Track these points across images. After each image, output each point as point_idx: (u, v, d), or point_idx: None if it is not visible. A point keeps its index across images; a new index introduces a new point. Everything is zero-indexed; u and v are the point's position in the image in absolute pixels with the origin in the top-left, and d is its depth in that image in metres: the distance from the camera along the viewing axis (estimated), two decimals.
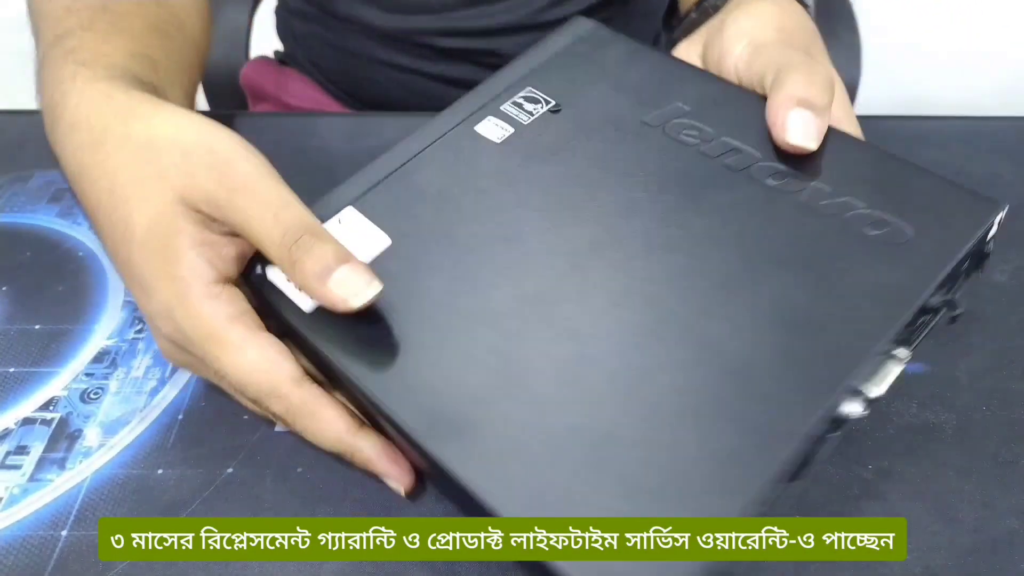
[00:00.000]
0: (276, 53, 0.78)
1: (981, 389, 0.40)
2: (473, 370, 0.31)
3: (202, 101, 0.65)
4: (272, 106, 0.72)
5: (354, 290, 0.31)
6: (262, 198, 0.33)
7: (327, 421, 0.33)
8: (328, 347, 0.33)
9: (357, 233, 0.35)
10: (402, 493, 0.35)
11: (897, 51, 1.16)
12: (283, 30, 0.77)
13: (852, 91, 0.68)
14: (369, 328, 0.33)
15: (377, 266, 0.34)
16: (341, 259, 0.32)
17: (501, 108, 0.40)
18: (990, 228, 0.33)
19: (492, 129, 0.39)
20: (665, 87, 0.40)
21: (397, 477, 0.34)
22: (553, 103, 0.40)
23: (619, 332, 0.32)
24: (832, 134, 0.36)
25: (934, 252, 0.32)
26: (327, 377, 0.35)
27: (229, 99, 0.72)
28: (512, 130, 0.39)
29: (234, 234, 0.34)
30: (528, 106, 0.40)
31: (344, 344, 0.33)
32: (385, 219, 0.36)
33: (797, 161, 0.35)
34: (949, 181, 0.34)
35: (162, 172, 0.33)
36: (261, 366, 0.32)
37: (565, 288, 0.33)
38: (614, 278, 0.33)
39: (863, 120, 0.55)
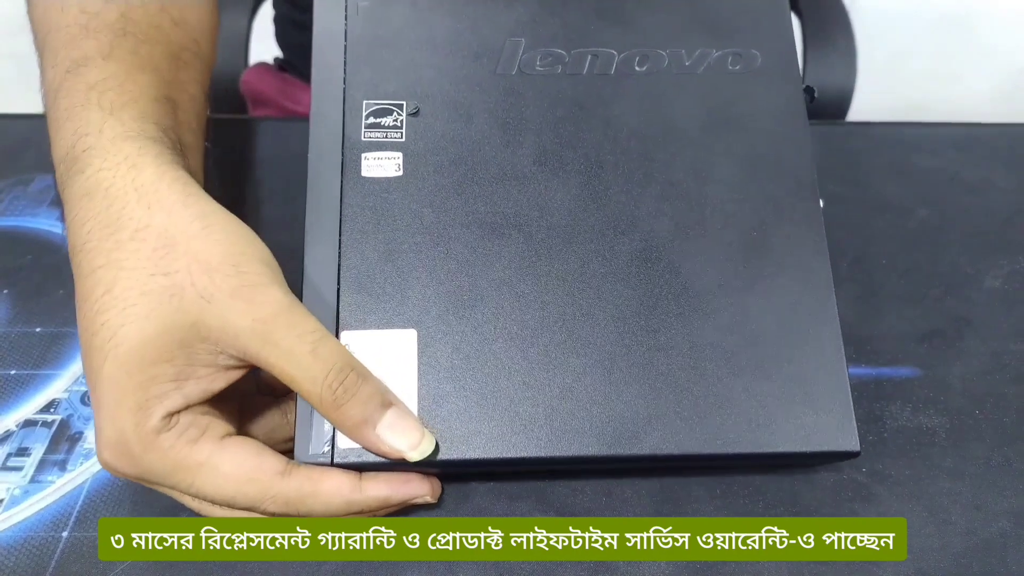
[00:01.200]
0: (276, 60, 0.78)
1: (974, 393, 0.40)
2: (579, 377, 0.32)
3: None
4: (273, 111, 0.72)
5: (409, 441, 0.30)
6: (298, 330, 0.29)
7: (329, 493, 0.31)
8: (475, 452, 0.32)
9: (379, 348, 0.33)
10: (432, 500, 0.34)
11: (892, 58, 1.16)
12: (283, 38, 0.78)
13: (847, 97, 0.69)
14: (473, 412, 0.32)
15: (426, 357, 0.32)
16: (386, 402, 0.31)
17: (363, 139, 0.35)
18: None
19: (379, 166, 0.35)
20: (482, 30, 0.38)
21: (420, 491, 0.33)
22: (405, 104, 0.36)
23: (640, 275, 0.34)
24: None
25: (782, 61, 0.38)
26: (447, 475, 0.35)
27: (227, 105, 0.72)
28: (400, 154, 0.35)
29: (234, 366, 0.30)
30: (386, 120, 0.35)
31: (482, 440, 0.32)
32: (386, 318, 0.33)
33: (644, 38, 0.38)
34: None
35: (176, 289, 0.29)
36: (242, 474, 0.30)
37: (581, 288, 0.34)
38: (613, 232, 0.35)
39: (859, 126, 0.55)
